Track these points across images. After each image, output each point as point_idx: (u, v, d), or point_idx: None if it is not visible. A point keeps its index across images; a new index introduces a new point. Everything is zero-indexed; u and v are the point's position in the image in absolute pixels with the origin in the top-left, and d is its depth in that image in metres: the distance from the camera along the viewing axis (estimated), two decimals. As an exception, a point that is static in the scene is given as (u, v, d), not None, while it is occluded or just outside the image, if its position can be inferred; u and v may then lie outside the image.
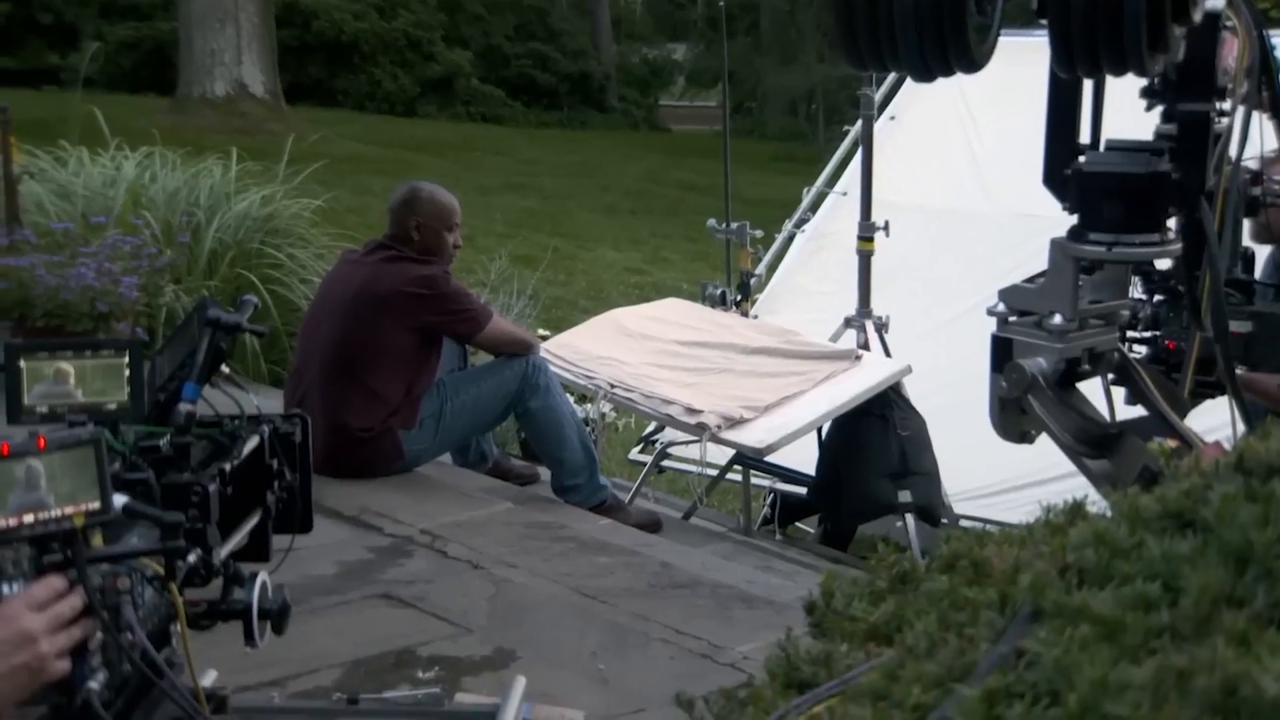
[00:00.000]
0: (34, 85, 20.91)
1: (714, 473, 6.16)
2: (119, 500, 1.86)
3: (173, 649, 1.94)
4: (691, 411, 5.35)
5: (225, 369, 2.25)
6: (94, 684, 1.79)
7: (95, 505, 1.80)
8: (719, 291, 6.81)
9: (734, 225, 6.99)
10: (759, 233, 7.18)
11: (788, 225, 8.16)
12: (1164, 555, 1.22)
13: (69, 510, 1.78)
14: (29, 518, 1.76)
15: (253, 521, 2.26)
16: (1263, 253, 4.03)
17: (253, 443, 2.24)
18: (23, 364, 1.99)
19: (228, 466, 2.15)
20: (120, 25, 24.66)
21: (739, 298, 6.86)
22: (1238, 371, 3.39)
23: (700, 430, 5.30)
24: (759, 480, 6.69)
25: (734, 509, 6.98)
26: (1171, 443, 2.65)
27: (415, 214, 5.36)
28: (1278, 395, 3.48)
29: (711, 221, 7.15)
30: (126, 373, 2.02)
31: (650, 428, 6.87)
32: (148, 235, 6.79)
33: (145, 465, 2.04)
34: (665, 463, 6.73)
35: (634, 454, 7.09)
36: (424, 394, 5.26)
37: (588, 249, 14.74)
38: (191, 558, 1.96)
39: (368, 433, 5.10)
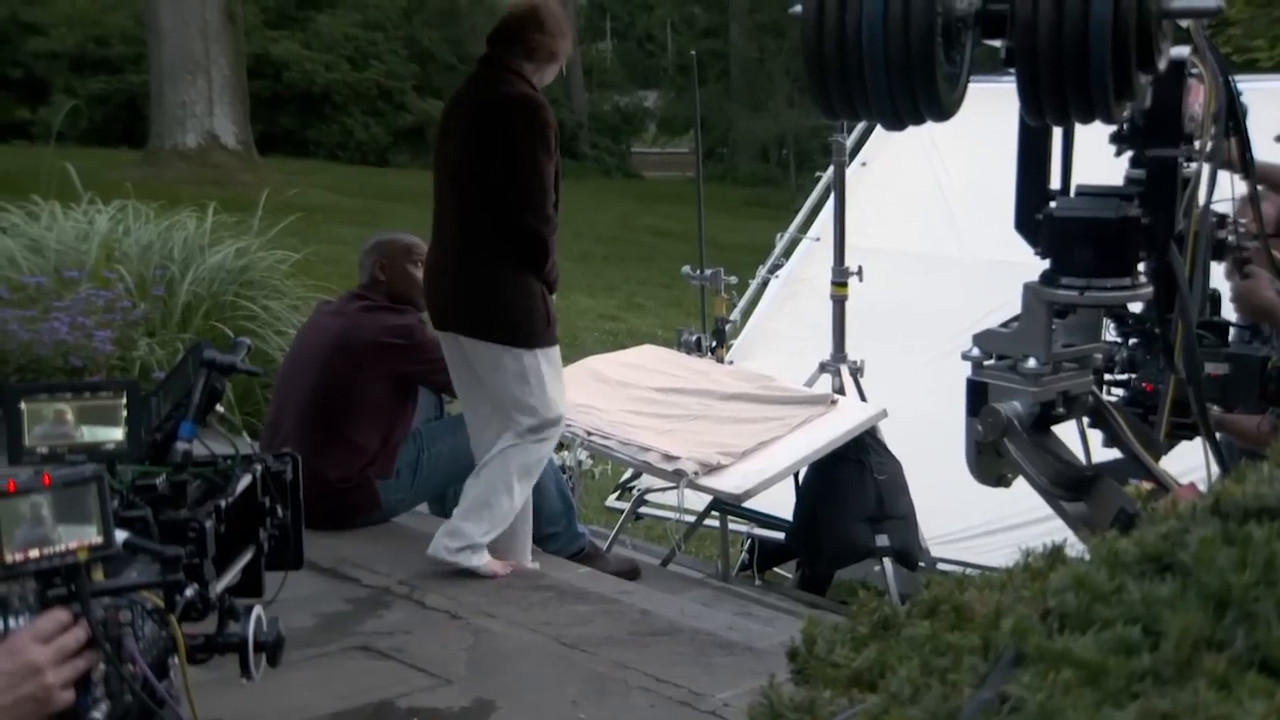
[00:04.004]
0: (3, 140, 20.92)
1: (692, 519, 6.15)
2: (120, 535, 1.91)
3: (170, 681, 1.98)
4: (668, 458, 5.35)
5: (220, 409, 2.29)
6: (97, 714, 1.84)
7: (98, 540, 1.85)
8: (694, 338, 6.82)
9: (708, 271, 7.01)
10: (733, 279, 7.21)
11: (761, 271, 8.18)
12: (1144, 599, 1.24)
13: (72, 545, 1.83)
14: (34, 553, 1.81)
15: (246, 558, 2.29)
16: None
17: (245, 481, 2.28)
18: (23, 406, 2.02)
19: (223, 504, 2.18)
20: (91, 79, 24.67)
21: (714, 344, 6.87)
22: (1215, 412, 3.43)
23: (677, 477, 5.30)
24: (736, 526, 6.69)
25: (712, 555, 6.97)
26: (1147, 485, 2.67)
27: (378, 255, 5.40)
28: (1255, 436, 3.51)
29: (686, 268, 7.18)
30: (124, 413, 2.06)
31: (627, 475, 6.87)
32: (121, 289, 6.77)
33: (142, 503, 2.09)
34: (643, 509, 6.72)
35: (611, 501, 7.08)
36: (401, 444, 5.25)
37: (562, 296, 14.60)
38: (189, 592, 2.02)
39: (345, 483, 5.08)
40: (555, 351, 4.81)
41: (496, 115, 4.64)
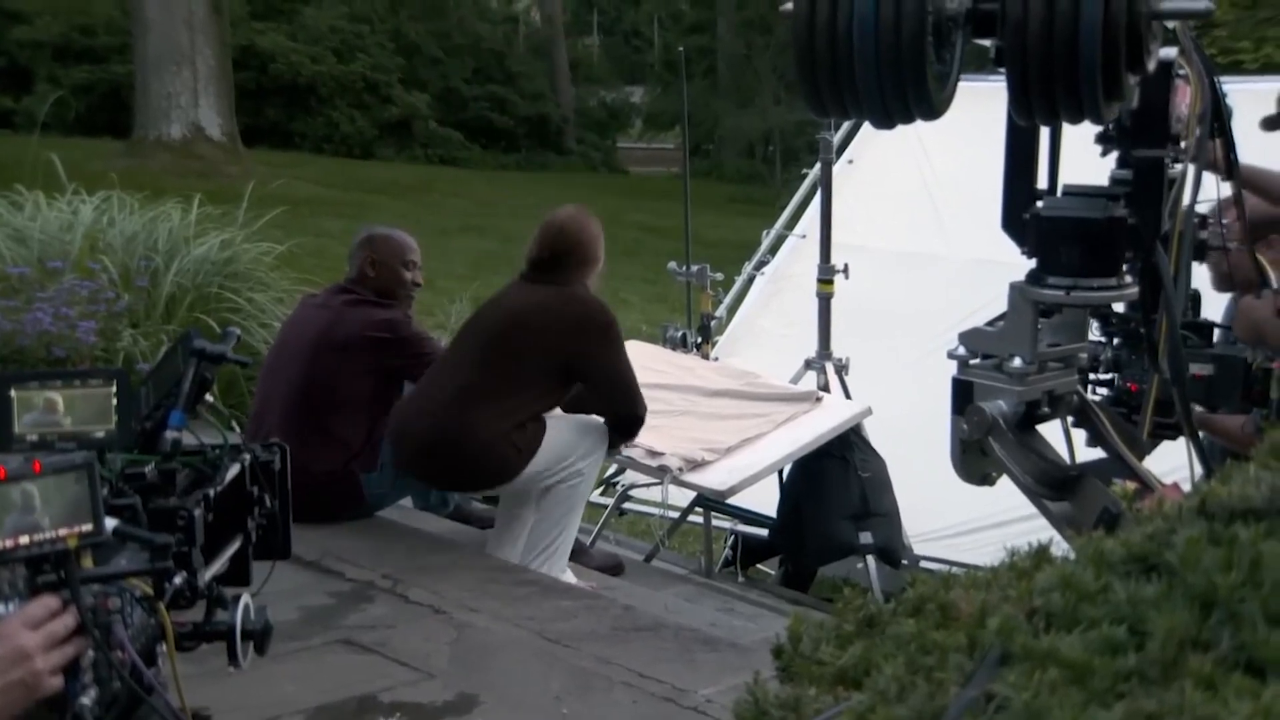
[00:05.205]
0: (-14, 129, 20.85)
1: (675, 515, 6.16)
2: (110, 523, 1.92)
3: (158, 669, 2.00)
4: (653, 454, 5.35)
5: (210, 398, 2.30)
6: (85, 700, 1.86)
7: (88, 527, 1.86)
8: (679, 334, 6.81)
9: (694, 267, 7.01)
10: (719, 275, 7.21)
11: (747, 267, 8.19)
12: (1130, 599, 1.24)
13: (63, 532, 1.84)
14: (24, 539, 1.82)
15: (234, 547, 2.30)
16: (1213, 294, 4.08)
17: (234, 470, 2.29)
18: (13, 394, 2.04)
19: (211, 493, 2.19)
20: (75, 69, 24.57)
21: (699, 340, 6.86)
22: (1199, 412, 3.43)
23: (662, 472, 5.30)
24: (720, 522, 6.69)
25: (695, 551, 6.97)
26: (1132, 485, 2.68)
27: (370, 251, 5.38)
28: (1239, 437, 3.52)
29: (672, 264, 7.18)
30: (114, 402, 2.07)
31: (611, 470, 6.87)
32: (105, 280, 6.74)
33: (132, 491, 2.11)
34: (626, 505, 6.73)
35: (595, 496, 7.07)
36: (384, 438, 5.24)
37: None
38: (177, 580, 2.03)
39: (329, 477, 5.06)
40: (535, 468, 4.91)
41: (576, 326, 4.90)
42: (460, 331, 5.11)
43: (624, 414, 5.04)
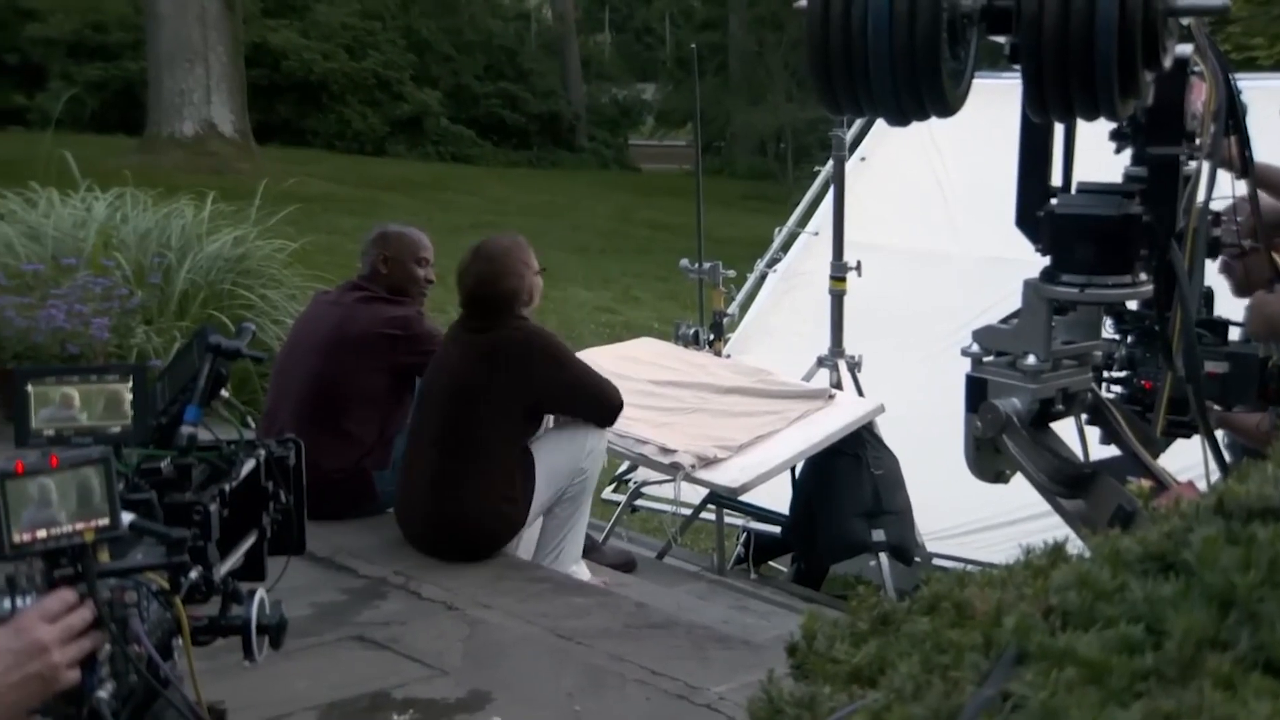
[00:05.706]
0: (0, 126, 20.89)
1: (688, 512, 6.16)
2: (126, 517, 1.93)
3: (174, 662, 2.01)
4: (665, 451, 5.35)
5: (225, 393, 2.31)
6: (102, 694, 1.87)
7: (105, 521, 1.87)
8: (692, 331, 6.82)
9: (707, 265, 7.01)
10: (731, 272, 7.20)
11: (759, 265, 8.18)
12: (1147, 598, 1.23)
13: (80, 526, 1.86)
14: (41, 533, 1.84)
15: (249, 542, 2.31)
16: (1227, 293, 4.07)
17: (249, 466, 2.30)
18: (30, 389, 2.04)
19: (227, 488, 2.21)
20: (88, 66, 24.64)
21: (712, 337, 6.86)
22: (1216, 410, 3.42)
23: (674, 470, 5.30)
24: (732, 519, 6.69)
25: (707, 548, 6.97)
26: (1148, 483, 2.67)
27: (383, 248, 5.38)
28: (1256, 434, 3.51)
29: (684, 261, 7.17)
30: (129, 397, 2.08)
31: (624, 467, 6.87)
32: (118, 276, 6.75)
33: (148, 486, 2.12)
34: (639, 502, 6.73)
35: (608, 493, 7.08)
36: (397, 435, 5.25)
37: (559, 288, 14.69)
38: (193, 574, 2.04)
39: (341, 474, 5.07)
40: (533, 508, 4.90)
41: (521, 369, 4.79)
42: (418, 403, 5.05)
43: (602, 413, 4.98)
